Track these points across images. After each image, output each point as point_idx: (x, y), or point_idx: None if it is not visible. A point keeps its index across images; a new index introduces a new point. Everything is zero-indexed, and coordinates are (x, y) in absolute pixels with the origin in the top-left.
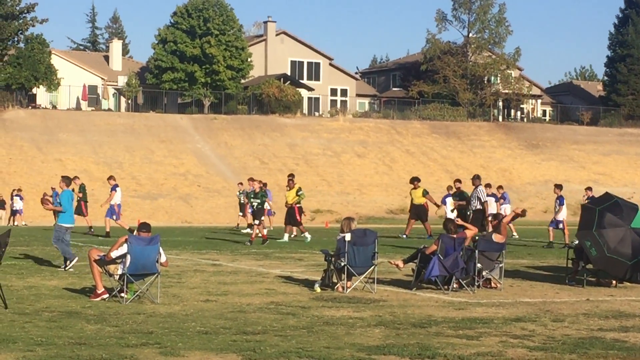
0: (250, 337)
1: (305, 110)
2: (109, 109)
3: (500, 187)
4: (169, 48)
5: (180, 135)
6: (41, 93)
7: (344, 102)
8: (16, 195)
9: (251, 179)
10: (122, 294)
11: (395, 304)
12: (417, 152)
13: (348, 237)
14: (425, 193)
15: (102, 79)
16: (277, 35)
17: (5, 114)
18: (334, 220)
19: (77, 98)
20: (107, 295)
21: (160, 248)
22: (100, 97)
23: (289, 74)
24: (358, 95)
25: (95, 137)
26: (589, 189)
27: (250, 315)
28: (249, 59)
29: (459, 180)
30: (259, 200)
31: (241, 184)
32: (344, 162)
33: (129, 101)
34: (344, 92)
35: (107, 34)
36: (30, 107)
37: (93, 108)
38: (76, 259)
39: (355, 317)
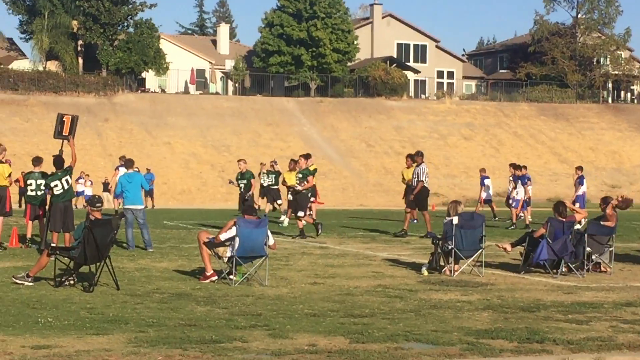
0: (358, 320)
1: (412, 93)
2: (217, 93)
3: (523, 167)
4: (276, 31)
5: (287, 118)
6: (150, 77)
7: (450, 85)
8: None
9: (240, 160)
10: (231, 276)
11: (503, 287)
12: (525, 134)
13: (455, 220)
14: None
15: (209, 62)
16: (383, 17)
17: (116, 98)
18: (441, 203)
19: (185, 82)
20: (216, 277)
21: (268, 231)
22: (208, 81)
23: (395, 56)
24: (465, 77)
25: (203, 120)
26: (580, 168)
27: (357, 298)
28: (355, 42)
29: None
30: (245, 181)
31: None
32: (450, 144)
33: (236, 85)
34: (450, 75)
35: (214, 18)
36: (139, 91)
37: (201, 92)
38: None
39: (463, 301)
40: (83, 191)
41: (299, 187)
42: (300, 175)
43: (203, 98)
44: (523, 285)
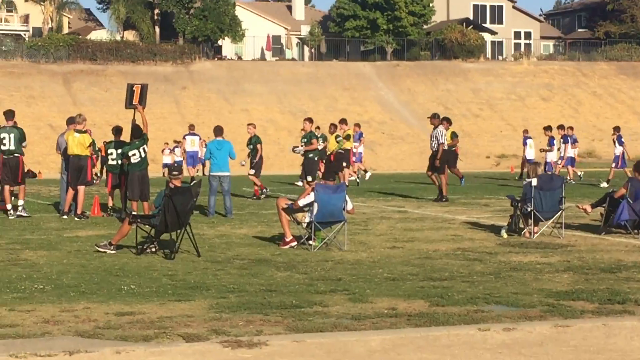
0: (437, 284)
1: (489, 55)
2: (293, 59)
3: (569, 128)
4: None
5: (364, 83)
6: (226, 44)
7: (527, 45)
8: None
9: (249, 125)
10: (310, 242)
11: (583, 248)
12: (604, 94)
13: (534, 182)
14: (454, 135)
15: (285, 28)
16: None
17: (193, 66)
18: (519, 165)
19: (262, 48)
20: (296, 242)
21: (347, 196)
22: (284, 47)
23: (471, 18)
24: (542, 37)
25: (279, 86)
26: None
27: (436, 262)
28: (430, 4)
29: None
30: (251, 146)
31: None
32: (528, 106)
33: (312, 50)
34: (527, 35)
35: None
36: (216, 59)
37: (277, 58)
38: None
39: (543, 263)
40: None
41: (299, 149)
42: (305, 140)
43: (279, 64)
44: (604, 246)
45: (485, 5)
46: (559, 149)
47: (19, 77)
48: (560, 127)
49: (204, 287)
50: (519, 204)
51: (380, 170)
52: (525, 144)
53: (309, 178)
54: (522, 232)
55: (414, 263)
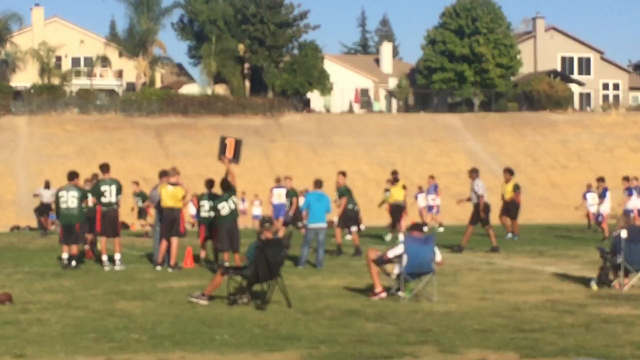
0: (528, 335)
1: (577, 106)
2: (381, 111)
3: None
4: (438, 48)
5: (451, 135)
6: (315, 97)
7: (616, 97)
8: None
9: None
10: (400, 293)
11: None
12: None
13: (624, 233)
14: (516, 188)
15: (373, 81)
16: (546, 31)
17: (282, 119)
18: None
19: (350, 101)
20: (385, 294)
21: (436, 247)
22: (372, 99)
23: (559, 69)
24: (631, 88)
25: (368, 138)
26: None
27: (526, 313)
28: (518, 56)
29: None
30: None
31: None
32: (617, 157)
33: (400, 102)
34: (616, 86)
35: (377, 37)
36: (305, 112)
37: (365, 110)
38: (300, 265)
39: (634, 315)
40: (244, 210)
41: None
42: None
43: (367, 117)
44: None
45: (572, 57)
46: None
47: (113, 131)
48: (625, 178)
49: (295, 338)
50: (609, 256)
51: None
52: (585, 197)
53: (354, 228)
54: (612, 284)
55: (503, 314)
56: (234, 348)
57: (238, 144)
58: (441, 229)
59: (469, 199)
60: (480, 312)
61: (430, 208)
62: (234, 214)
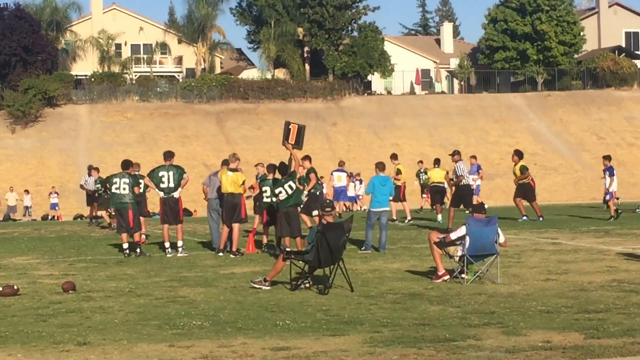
0: (593, 316)
1: None
2: (442, 92)
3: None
4: (500, 27)
5: (514, 114)
6: (376, 79)
7: None
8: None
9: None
10: (463, 275)
11: None
12: None
13: None
14: (523, 169)
15: (434, 62)
16: (609, 6)
17: (343, 102)
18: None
19: (411, 82)
20: (448, 276)
21: (499, 228)
22: (433, 81)
23: (623, 45)
24: None
25: (430, 120)
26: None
27: (591, 294)
28: (581, 33)
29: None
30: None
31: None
32: None
33: (462, 83)
34: None
35: (437, 17)
36: (365, 94)
37: (426, 91)
38: (366, 249)
39: None
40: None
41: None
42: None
43: (429, 98)
44: None
45: (637, 32)
46: None
47: (173, 118)
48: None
49: (357, 322)
50: None
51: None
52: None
53: (315, 212)
54: None
55: (568, 295)
56: (296, 333)
57: (301, 129)
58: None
59: (455, 183)
60: (544, 293)
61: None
62: (292, 198)
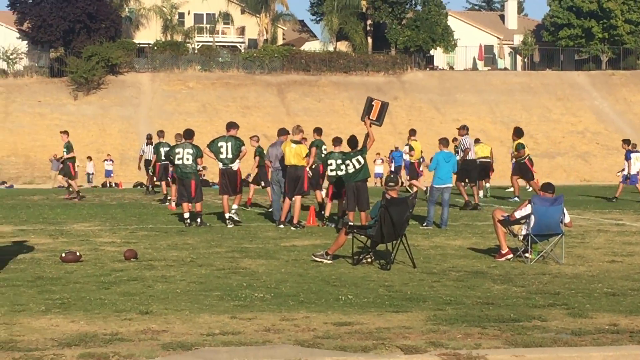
0: None
1: None
2: (505, 68)
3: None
4: (565, 4)
5: (577, 93)
6: (438, 54)
7: None
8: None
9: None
10: (527, 254)
11: None
12: None
13: None
14: (519, 147)
15: (497, 38)
16: None
17: (405, 76)
18: None
19: (474, 58)
20: (512, 255)
21: (564, 208)
22: (496, 57)
23: None
24: None
25: (491, 96)
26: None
27: None
28: None
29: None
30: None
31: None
32: None
33: (525, 60)
34: None
35: None
36: (428, 69)
37: (489, 68)
38: (427, 225)
39: None
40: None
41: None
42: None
43: (491, 74)
44: None
45: None
46: None
47: (235, 88)
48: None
49: (420, 299)
50: None
51: (595, 182)
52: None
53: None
54: None
55: (634, 278)
56: (358, 308)
57: (384, 106)
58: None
59: (461, 158)
60: (610, 275)
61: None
62: (360, 172)
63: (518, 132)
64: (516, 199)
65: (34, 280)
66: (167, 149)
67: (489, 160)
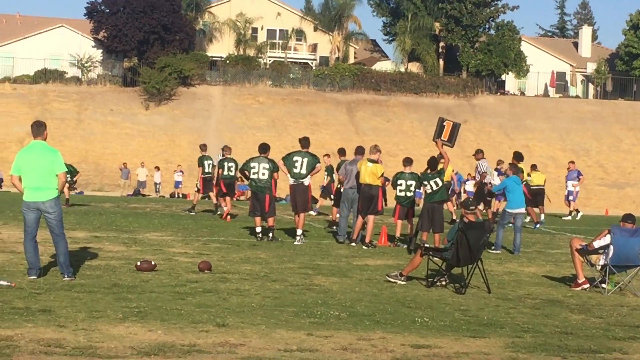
0: None
1: None
2: (577, 96)
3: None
4: None
5: None
6: (510, 79)
7: None
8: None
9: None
10: (604, 285)
11: None
12: None
13: None
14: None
15: (570, 65)
16: None
17: (475, 100)
18: None
19: (545, 84)
20: (588, 285)
21: None
22: (568, 84)
23: None
24: None
25: (562, 123)
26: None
27: None
28: None
29: None
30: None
31: None
32: None
33: (598, 88)
34: None
35: (575, 20)
36: (498, 93)
37: (561, 95)
38: (496, 249)
39: None
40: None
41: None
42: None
43: (563, 101)
44: None
45: None
46: None
47: (305, 105)
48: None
49: (497, 325)
50: None
51: None
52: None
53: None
54: None
55: None
56: (435, 331)
57: (455, 127)
58: (578, 216)
59: (477, 181)
60: None
61: (569, 194)
62: (437, 194)
63: (517, 156)
64: (538, 226)
65: (110, 287)
66: (232, 164)
67: (542, 187)
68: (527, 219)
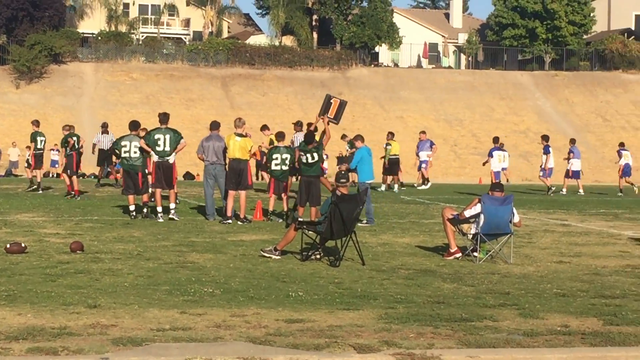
0: (609, 301)
1: None
2: (449, 67)
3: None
4: (510, 4)
5: (521, 92)
6: (383, 51)
7: None
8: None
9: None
10: (475, 253)
11: None
12: None
13: None
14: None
15: (442, 36)
16: None
17: (349, 72)
18: None
19: (418, 56)
20: (460, 254)
21: (514, 208)
22: (441, 55)
23: (633, 28)
24: None
25: (435, 94)
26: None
27: (606, 279)
28: (591, 14)
29: None
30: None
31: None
32: None
33: (469, 58)
34: None
35: None
36: (372, 66)
37: (433, 66)
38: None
39: None
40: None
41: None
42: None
43: (436, 72)
44: None
45: None
46: None
47: (178, 80)
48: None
49: (371, 297)
50: None
51: (537, 182)
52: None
53: None
54: None
55: (582, 279)
56: (309, 305)
57: (342, 105)
58: (423, 187)
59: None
60: (558, 275)
61: (422, 163)
62: (313, 168)
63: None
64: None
65: None
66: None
67: (397, 157)
68: (383, 187)
